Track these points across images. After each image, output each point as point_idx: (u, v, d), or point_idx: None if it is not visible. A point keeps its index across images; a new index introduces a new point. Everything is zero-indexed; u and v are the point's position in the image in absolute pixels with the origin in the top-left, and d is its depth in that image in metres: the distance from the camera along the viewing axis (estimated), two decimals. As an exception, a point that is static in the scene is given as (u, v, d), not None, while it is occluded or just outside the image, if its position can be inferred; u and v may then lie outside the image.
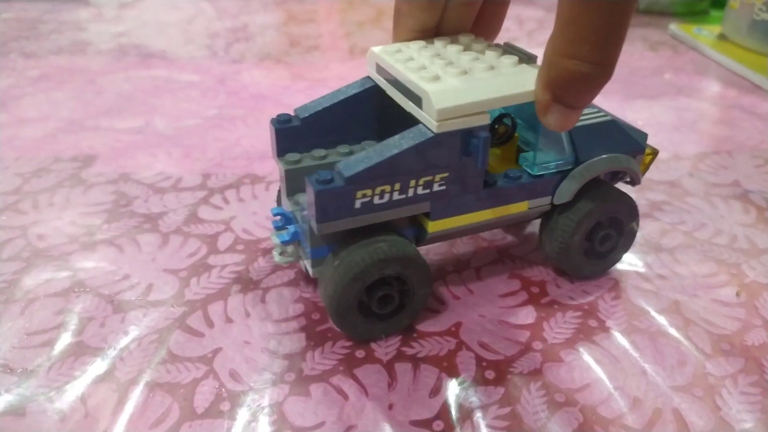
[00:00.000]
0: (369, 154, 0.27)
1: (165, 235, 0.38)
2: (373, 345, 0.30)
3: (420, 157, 0.27)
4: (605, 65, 0.23)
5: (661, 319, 0.32)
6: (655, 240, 0.38)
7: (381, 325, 0.30)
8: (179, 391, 0.27)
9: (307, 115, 0.31)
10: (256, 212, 0.40)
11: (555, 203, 0.32)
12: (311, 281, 0.34)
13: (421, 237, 0.31)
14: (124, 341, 0.30)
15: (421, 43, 0.30)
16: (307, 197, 0.27)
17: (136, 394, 0.27)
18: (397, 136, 0.27)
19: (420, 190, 0.28)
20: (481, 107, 0.27)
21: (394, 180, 0.27)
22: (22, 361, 0.29)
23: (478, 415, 0.26)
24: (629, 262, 0.36)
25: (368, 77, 0.32)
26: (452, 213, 0.30)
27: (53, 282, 0.34)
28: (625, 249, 0.35)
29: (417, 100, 0.27)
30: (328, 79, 0.63)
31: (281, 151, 0.31)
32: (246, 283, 0.34)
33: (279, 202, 0.35)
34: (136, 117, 0.54)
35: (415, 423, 0.26)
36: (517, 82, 0.27)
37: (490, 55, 0.29)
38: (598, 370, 0.29)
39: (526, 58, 0.29)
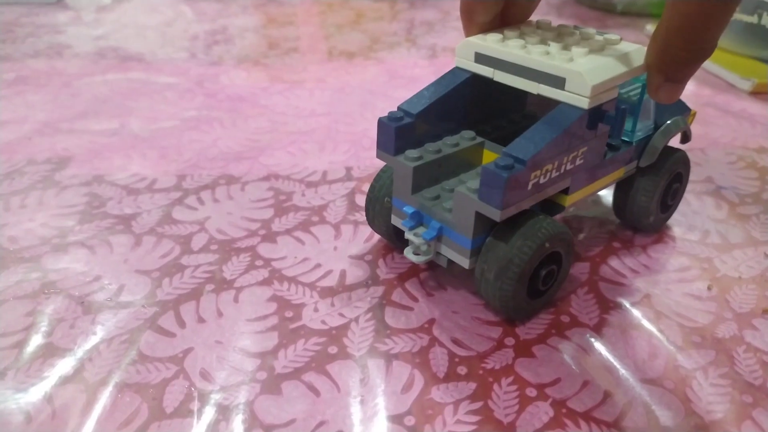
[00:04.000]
0: (531, 137, 0.28)
1: (138, 236, 0.37)
2: (345, 341, 0.30)
3: (574, 134, 0.29)
4: (711, 48, 0.27)
5: (633, 313, 0.32)
6: (629, 235, 0.38)
7: (537, 302, 0.31)
8: (148, 391, 0.27)
9: (419, 110, 0.31)
10: (231, 212, 0.40)
11: (641, 166, 0.35)
12: (285, 279, 0.34)
13: (551, 213, 0.32)
14: (93, 342, 0.30)
15: (515, 32, 0.31)
16: (483, 186, 0.27)
17: (105, 395, 0.27)
18: (546, 118, 0.29)
19: (568, 166, 0.30)
20: (615, 82, 0.29)
21: (554, 159, 0.29)
22: (-11, 364, 0.28)
23: (449, 410, 0.26)
24: (602, 256, 0.36)
25: (457, 68, 0.33)
26: (582, 185, 0.32)
27: (24, 284, 0.33)
28: (680, 198, 0.39)
29: (556, 81, 0.29)
30: (306, 80, 0.63)
31: (397, 149, 0.31)
32: (219, 282, 0.34)
33: (370, 207, 0.34)
34: (111, 119, 0.53)
35: (387, 418, 0.26)
36: (630, 58, 0.30)
37: (586, 36, 0.31)
38: (570, 365, 0.29)
39: (617, 39, 0.31)
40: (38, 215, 0.39)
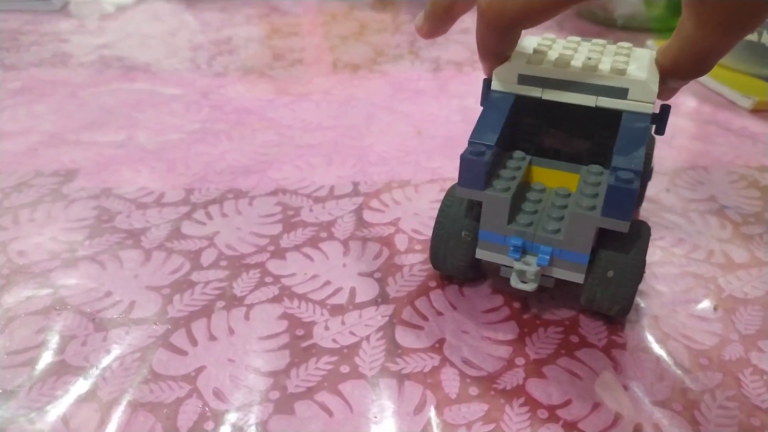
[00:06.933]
0: (626, 149, 0.29)
1: (147, 251, 0.38)
2: (357, 360, 0.30)
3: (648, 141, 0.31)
4: (710, 69, 0.30)
5: (641, 334, 0.32)
6: (635, 255, 0.39)
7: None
8: (162, 411, 0.27)
9: (495, 140, 0.31)
10: (239, 227, 0.40)
11: None
12: (295, 297, 0.34)
13: None
14: (106, 360, 0.30)
15: (546, 50, 0.33)
16: (610, 201, 0.28)
17: (118, 414, 0.27)
18: (624, 130, 0.30)
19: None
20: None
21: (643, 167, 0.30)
22: (1, 382, 0.29)
23: None
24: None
25: (496, 92, 0.33)
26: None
27: (34, 300, 0.33)
28: None
29: (617, 92, 0.30)
30: (312, 93, 0.63)
31: (485, 183, 0.31)
32: (230, 299, 0.34)
33: (441, 245, 0.33)
34: (118, 131, 0.54)
35: (400, 440, 0.26)
36: (651, 64, 0.32)
37: (605, 45, 0.34)
38: (580, 386, 0.29)
39: (630, 45, 0.34)
40: (47, 229, 0.40)
